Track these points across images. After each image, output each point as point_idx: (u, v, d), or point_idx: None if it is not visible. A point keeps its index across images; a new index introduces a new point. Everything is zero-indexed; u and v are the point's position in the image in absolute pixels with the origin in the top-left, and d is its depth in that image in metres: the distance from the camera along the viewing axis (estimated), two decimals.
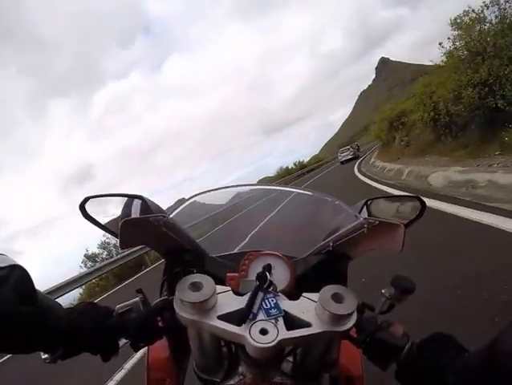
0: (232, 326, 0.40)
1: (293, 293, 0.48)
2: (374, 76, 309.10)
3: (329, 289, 0.42)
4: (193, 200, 0.72)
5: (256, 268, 0.53)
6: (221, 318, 0.41)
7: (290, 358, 0.54)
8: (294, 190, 0.80)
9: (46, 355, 0.42)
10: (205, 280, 0.42)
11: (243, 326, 0.40)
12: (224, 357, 0.53)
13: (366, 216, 0.58)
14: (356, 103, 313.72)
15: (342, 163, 25.81)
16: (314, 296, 0.44)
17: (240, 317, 0.41)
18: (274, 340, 0.38)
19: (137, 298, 0.47)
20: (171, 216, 0.56)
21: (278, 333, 0.39)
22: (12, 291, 0.35)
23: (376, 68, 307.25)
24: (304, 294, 0.45)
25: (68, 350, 0.41)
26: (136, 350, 0.46)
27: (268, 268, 0.51)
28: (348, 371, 0.64)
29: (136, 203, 0.58)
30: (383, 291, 0.48)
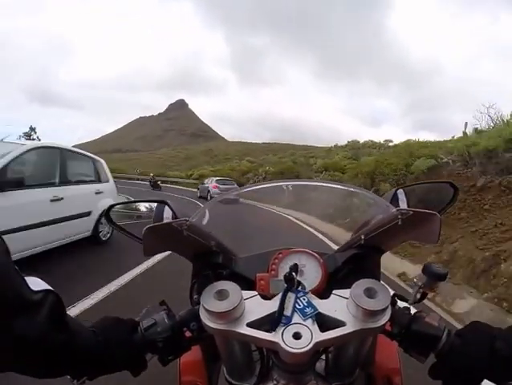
0: (263, 333, 0.39)
1: (323, 292, 0.47)
2: (163, 111, 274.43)
3: (361, 284, 0.41)
4: (214, 203, 0.72)
5: (286, 266, 0.52)
6: (250, 325, 0.40)
7: (323, 356, 0.53)
8: (322, 184, 0.80)
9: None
10: (231, 287, 0.41)
11: (275, 331, 0.39)
12: (255, 362, 0.51)
13: (399, 206, 0.57)
14: (130, 124, 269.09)
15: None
16: (346, 292, 0.42)
17: (271, 322, 0.40)
18: (308, 344, 0.37)
19: (161, 311, 0.46)
20: (194, 219, 0.55)
21: (312, 336, 0.38)
22: (46, 318, 0.34)
23: (170, 105, 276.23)
24: (335, 292, 0.44)
25: (96, 372, 0.41)
26: (165, 365, 0.45)
27: (295, 268, 0.49)
28: (385, 366, 0.62)
29: (160, 208, 0.57)
30: (415, 280, 0.47)
